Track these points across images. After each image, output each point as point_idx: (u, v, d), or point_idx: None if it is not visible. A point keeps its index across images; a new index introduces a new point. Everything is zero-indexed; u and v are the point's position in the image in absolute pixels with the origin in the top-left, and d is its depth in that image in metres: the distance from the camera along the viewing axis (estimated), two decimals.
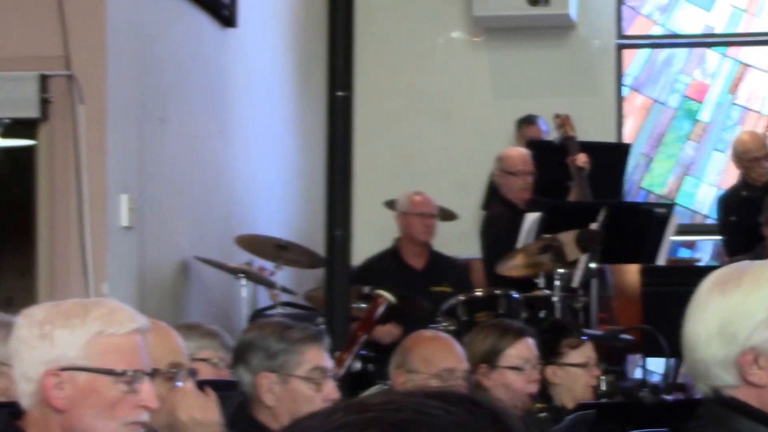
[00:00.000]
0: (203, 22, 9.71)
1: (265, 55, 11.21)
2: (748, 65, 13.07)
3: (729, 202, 10.78)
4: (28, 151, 8.25)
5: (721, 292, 3.68)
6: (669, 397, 7.24)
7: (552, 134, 11.39)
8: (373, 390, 6.87)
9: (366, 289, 8.76)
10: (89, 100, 7.88)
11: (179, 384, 4.25)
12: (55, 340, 3.58)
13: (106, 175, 7.96)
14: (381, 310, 6.36)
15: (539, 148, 10.86)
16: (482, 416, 0.87)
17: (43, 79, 7.88)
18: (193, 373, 4.40)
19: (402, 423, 0.87)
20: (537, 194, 10.33)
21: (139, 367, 3.63)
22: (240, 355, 4.91)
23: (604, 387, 7.54)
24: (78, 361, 3.58)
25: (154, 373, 3.81)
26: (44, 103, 7.89)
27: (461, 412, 0.88)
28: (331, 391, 4.94)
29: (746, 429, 3.66)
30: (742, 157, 10.79)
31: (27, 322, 3.68)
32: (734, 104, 13.03)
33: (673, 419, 5.13)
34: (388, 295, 6.54)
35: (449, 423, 0.86)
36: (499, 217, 10.32)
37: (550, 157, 10.73)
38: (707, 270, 3.91)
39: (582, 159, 10.43)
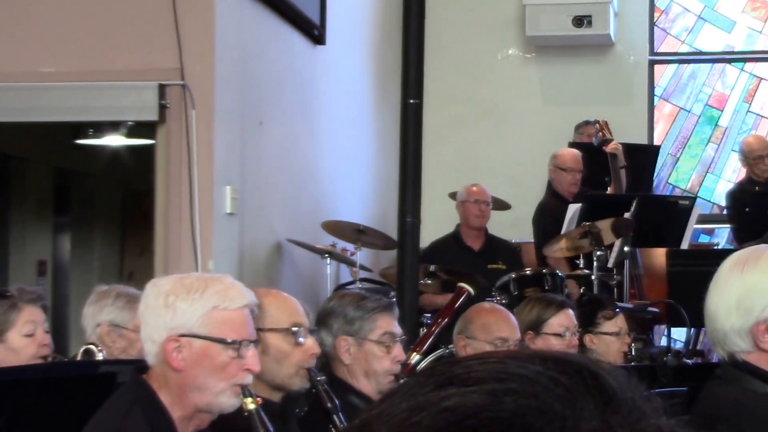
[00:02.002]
0: (297, 40, 9.72)
1: (349, 69, 11.22)
2: (763, 78, 12.99)
3: (738, 195, 10.73)
4: (149, 149, 8.31)
5: (740, 271, 3.70)
6: (689, 361, 7.21)
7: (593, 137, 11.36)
8: (438, 353, 6.85)
9: (432, 268, 8.80)
10: (199, 106, 7.91)
11: (301, 340, 4.34)
12: (177, 310, 3.65)
13: (213, 170, 7.99)
14: (462, 300, 6.33)
15: (583, 148, 10.83)
16: (572, 374, 0.87)
17: (161, 88, 7.90)
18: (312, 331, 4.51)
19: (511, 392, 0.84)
20: (582, 187, 10.31)
21: (245, 336, 3.70)
22: (323, 320, 4.93)
23: (633, 353, 7.54)
24: (195, 330, 3.64)
25: (259, 339, 3.88)
26: (162, 108, 7.92)
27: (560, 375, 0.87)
28: (398, 353, 4.97)
29: (757, 388, 3.67)
30: (748, 156, 10.76)
31: (154, 291, 3.74)
32: (749, 112, 12.95)
33: (692, 380, 5.11)
34: (469, 288, 6.52)
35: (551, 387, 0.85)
36: (549, 208, 10.29)
37: (592, 157, 10.70)
38: (723, 253, 3.93)
39: (612, 146, 10.42)
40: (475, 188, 9.96)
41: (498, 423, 0.79)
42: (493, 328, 5.78)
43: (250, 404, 3.68)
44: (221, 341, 3.65)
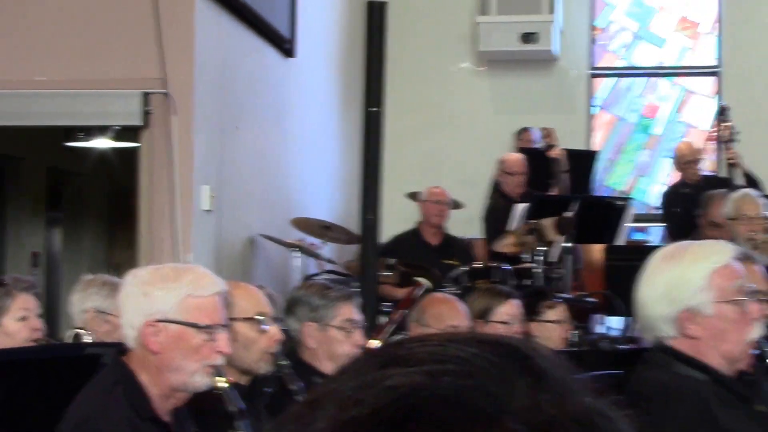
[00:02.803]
0: (269, 52, 9.72)
1: (317, 79, 11.23)
2: (692, 92, 13.04)
3: (670, 197, 10.78)
4: (133, 151, 8.29)
5: (668, 264, 3.72)
6: (623, 347, 7.22)
7: (539, 143, 11.41)
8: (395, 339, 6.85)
9: (391, 261, 8.81)
10: (180, 113, 7.90)
11: (265, 327, 4.35)
12: (154, 297, 3.67)
13: (192, 171, 7.99)
14: (419, 292, 6.33)
15: (530, 154, 10.87)
16: (505, 355, 0.87)
17: (145, 96, 7.91)
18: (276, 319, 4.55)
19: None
20: (528, 188, 10.35)
21: (217, 321, 3.71)
22: (290, 308, 4.94)
23: (574, 339, 7.55)
24: (171, 315, 3.65)
25: (230, 325, 3.90)
26: (146, 114, 7.92)
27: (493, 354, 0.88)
28: (359, 338, 4.99)
29: (681, 371, 3.68)
30: (680, 161, 10.81)
31: (133, 281, 3.76)
32: (680, 122, 13.00)
33: (626, 364, 5.14)
34: (425, 282, 6.52)
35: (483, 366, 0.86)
36: (497, 207, 10.32)
37: (538, 161, 10.75)
38: (655, 249, 3.93)
39: (556, 151, 10.52)
40: (436, 189, 10.03)
41: (436, 401, 0.79)
42: (445, 316, 5.78)
43: (222, 383, 3.71)
44: (195, 326, 3.66)
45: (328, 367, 4.92)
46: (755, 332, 3.73)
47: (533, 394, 0.82)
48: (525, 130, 11.86)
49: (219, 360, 3.70)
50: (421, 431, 0.78)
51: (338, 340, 4.96)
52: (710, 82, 12.96)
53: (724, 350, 3.68)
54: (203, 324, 3.67)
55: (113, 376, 3.70)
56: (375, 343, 5.66)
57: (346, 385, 0.84)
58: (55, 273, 11.77)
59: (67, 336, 5.78)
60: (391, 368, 0.83)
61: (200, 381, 3.68)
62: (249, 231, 9.31)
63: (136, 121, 7.98)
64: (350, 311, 5.03)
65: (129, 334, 3.70)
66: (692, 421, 3.52)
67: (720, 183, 9.80)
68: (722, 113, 10.50)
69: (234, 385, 3.94)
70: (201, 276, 3.76)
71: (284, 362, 4.44)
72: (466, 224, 11.06)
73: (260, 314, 4.38)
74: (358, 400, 0.81)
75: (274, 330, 4.42)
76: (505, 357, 0.84)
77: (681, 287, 3.65)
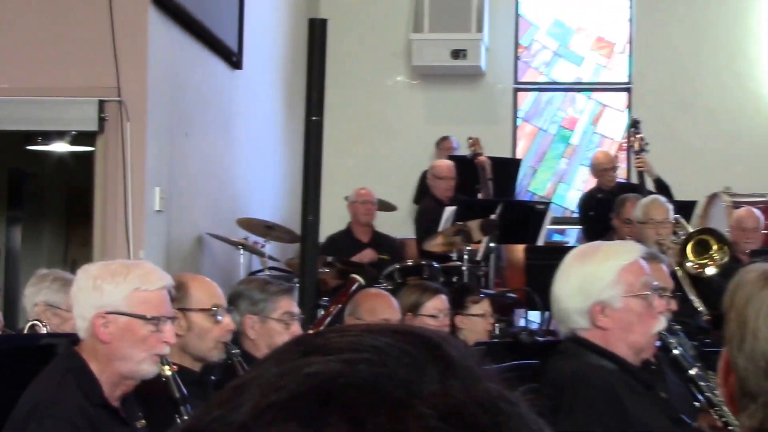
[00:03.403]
0: (218, 64, 9.70)
1: (262, 89, 11.19)
2: (606, 105, 13.13)
3: (586, 201, 10.84)
4: (89, 155, 8.24)
5: (581, 261, 3.74)
6: (541, 339, 7.25)
7: (463, 150, 11.44)
8: None
9: (329, 259, 8.81)
10: (134, 119, 7.87)
11: (219, 318, 4.36)
12: (104, 291, 3.66)
13: (144, 173, 7.95)
14: (354, 288, 6.32)
15: (458, 161, 10.90)
16: (418, 344, 0.87)
17: (101, 103, 7.88)
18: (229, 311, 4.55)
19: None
20: (456, 193, 10.39)
21: (163, 313, 3.72)
22: (233, 301, 4.92)
23: (497, 331, 7.57)
24: (120, 308, 3.65)
25: (176, 318, 3.90)
26: (101, 120, 7.89)
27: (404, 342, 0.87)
28: (296, 330, 4.99)
29: (593, 361, 3.70)
30: (597, 169, 10.87)
31: (84, 276, 3.75)
32: (595, 133, 13.08)
33: (544, 354, 5.15)
34: (359, 278, 6.52)
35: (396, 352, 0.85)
36: (428, 209, 10.34)
37: (466, 168, 10.78)
38: (572, 249, 3.95)
39: (482, 159, 10.61)
40: (362, 191, 10.09)
41: (352, 387, 0.79)
42: (378, 310, 5.78)
43: (167, 371, 3.73)
44: (142, 317, 3.66)
45: None
46: (659, 325, 3.77)
47: (442, 381, 0.81)
48: (445, 138, 11.95)
49: (165, 349, 3.71)
50: (338, 415, 0.78)
51: (277, 331, 4.94)
52: (623, 97, 13.04)
53: (631, 341, 3.70)
54: (150, 316, 3.67)
55: (65, 364, 3.69)
56: None
57: (269, 371, 0.83)
58: (15, 269, 11.67)
59: (25, 327, 5.72)
60: (312, 356, 0.83)
61: (147, 369, 3.69)
62: (197, 230, 9.27)
63: (92, 126, 7.93)
64: (289, 305, 5.03)
65: (81, 325, 3.70)
66: (601, 406, 3.54)
67: (632, 189, 9.86)
68: (633, 126, 10.57)
69: (187, 372, 4.03)
70: (148, 271, 3.76)
71: (236, 350, 4.45)
72: (400, 225, 11.08)
73: (215, 306, 4.39)
74: (279, 386, 0.81)
75: (227, 320, 4.42)
76: (417, 346, 0.84)
77: (593, 283, 3.67)
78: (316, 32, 6.81)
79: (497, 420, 0.80)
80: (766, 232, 9.15)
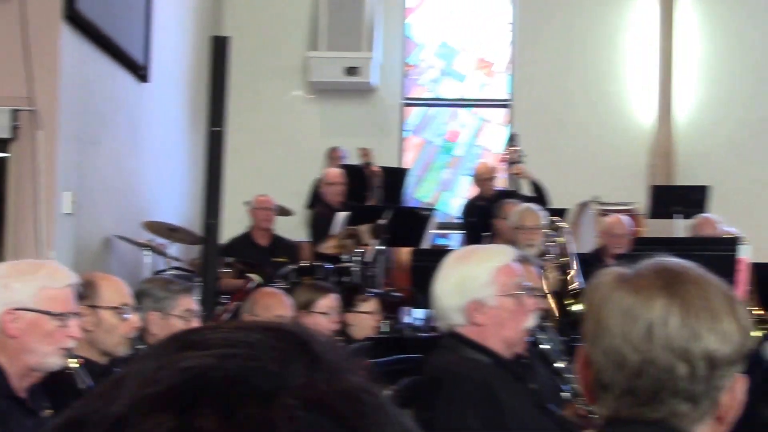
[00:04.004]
0: (126, 77, 9.60)
1: (168, 100, 11.11)
2: (487, 120, 13.24)
3: (468, 208, 10.92)
4: (2, 161, 8.10)
5: (459, 263, 3.77)
6: (424, 335, 7.28)
7: (354, 159, 11.47)
8: None
9: (228, 259, 8.77)
10: (45, 128, 7.76)
11: (127, 316, 4.34)
12: (12, 289, 3.61)
13: (55, 179, 7.86)
14: (251, 286, 6.32)
15: (350, 169, 10.92)
16: (286, 340, 0.87)
17: (14, 112, 7.75)
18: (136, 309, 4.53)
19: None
20: (348, 199, 10.41)
21: (69, 309, 3.68)
22: (137, 299, 4.88)
23: (384, 328, 7.60)
24: (27, 304, 3.61)
25: (80, 314, 3.87)
26: (14, 128, 7.76)
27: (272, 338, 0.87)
28: (196, 326, 4.95)
29: (469, 355, 3.72)
30: (478, 178, 10.97)
31: None
32: (477, 145, 13.18)
33: (426, 349, 5.18)
34: (256, 278, 6.51)
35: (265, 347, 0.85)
36: (321, 214, 10.35)
37: (357, 176, 10.81)
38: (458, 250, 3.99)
39: (373, 168, 10.69)
40: (262, 197, 10.07)
41: (224, 380, 0.79)
42: (272, 307, 5.76)
43: (73, 364, 3.69)
44: (49, 313, 3.62)
45: None
46: (530, 322, 3.81)
47: (308, 374, 0.82)
48: (334, 148, 11.99)
49: (70, 343, 3.68)
50: (209, 406, 0.78)
51: (178, 327, 4.89)
52: (503, 113, 13.15)
53: (504, 336, 3.73)
54: (56, 312, 3.63)
55: None
56: None
57: (147, 365, 0.83)
58: None
59: None
60: (187, 352, 0.83)
61: (54, 362, 3.65)
62: (105, 232, 9.18)
63: (5, 134, 7.81)
64: (189, 302, 5.00)
65: None
66: (476, 396, 3.56)
67: (509, 196, 9.95)
68: (512, 139, 10.71)
69: (94, 365, 3.99)
70: (55, 270, 3.72)
71: (142, 346, 4.42)
72: (296, 229, 11.06)
73: (123, 304, 4.37)
74: (156, 379, 0.81)
75: (134, 318, 4.40)
76: (286, 342, 0.85)
77: (469, 282, 3.70)
78: (219, 49, 6.79)
79: (359, 410, 0.81)
80: (632, 238, 9.27)
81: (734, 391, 1.96)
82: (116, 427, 0.78)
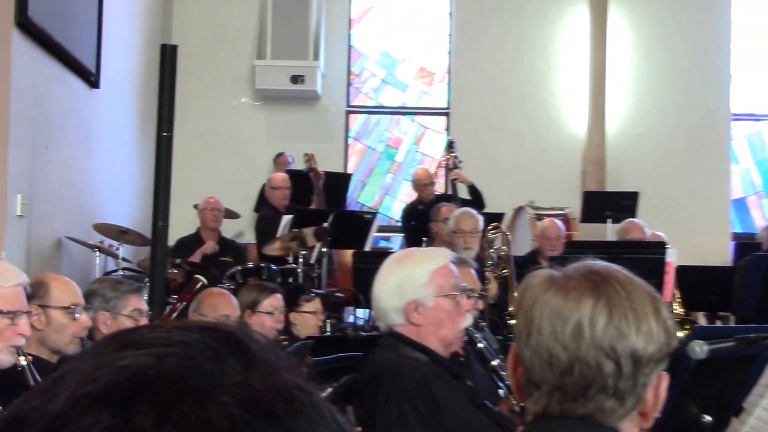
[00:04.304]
0: (77, 83, 9.51)
1: (118, 106, 11.03)
2: (427, 127, 13.26)
3: (408, 212, 10.93)
4: None
5: (398, 265, 3.77)
6: (365, 334, 7.28)
7: (299, 165, 11.46)
8: None
9: (177, 260, 8.73)
10: None
11: (77, 315, 4.32)
12: None
13: (6, 181, 7.76)
14: (198, 287, 6.28)
15: (295, 174, 10.91)
16: (222, 339, 0.87)
17: None
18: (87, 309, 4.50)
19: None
20: (293, 203, 10.40)
21: (19, 308, 3.67)
22: (87, 299, 4.84)
23: (327, 327, 7.59)
24: None
25: (30, 312, 3.84)
26: None
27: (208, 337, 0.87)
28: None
29: (408, 354, 3.73)
30: (417, 184, 10.99)
31: None
32: (417, 152, 13.20)
33: (366, 348, 5.18)
34: (203, 279, 6.47)
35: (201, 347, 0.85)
36: (267, 217, 10.33)
37: (302, 181, 10.80)
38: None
39: (317, 173, 10.68)
40: (211, 200, 10.05)
41: (160, 378, 0.79)
42: (219, 307, 5.75)
43: (23, 361, 3.67)
44: None
45: None
46: (466, 322, 3.82)
47: (243, 372, 0.82)
48: (280, 154, 11.99)
49: (20, 341, 3.65)
50: (146, 404, 0.77)
51: (127, 326, 4.85)
52: (442, 120, 13.18)
53: (441, 336, 3.74)
54: (6, 310, 3.61)
55: None
56: None
57: (86, 364, 0.83)
58: None
59: None
60: (125, 351, 0.83)
61: (3, 359, 3.64)
62: (56, 233, 9.09)
63: None
64: (138, 302, 4.97)
65: None
66: (414, 393, 3.56)
67: (448, 201, 9.99)
68: (450, 146, 10.74)
69: (44, 363, 3.98)
70: (4, 270, 3.71)
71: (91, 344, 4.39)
72: (244, 230, 11.03)
73: (74, 304, 4.35)
74: (94, 378, 0.80)
75: (84, 318, 4.39)
76: (222, 341, 0.85)
77: (408, 283, 3.71)
78: (168, 57, 6.74)
79: (292, 407, 0.81)
80: (565, 241, 9.34)
81: (658, 388, 1.98)
82: (55, 424, 0.78)
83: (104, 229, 9.56)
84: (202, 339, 0.84)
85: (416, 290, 3.70)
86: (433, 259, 3.77)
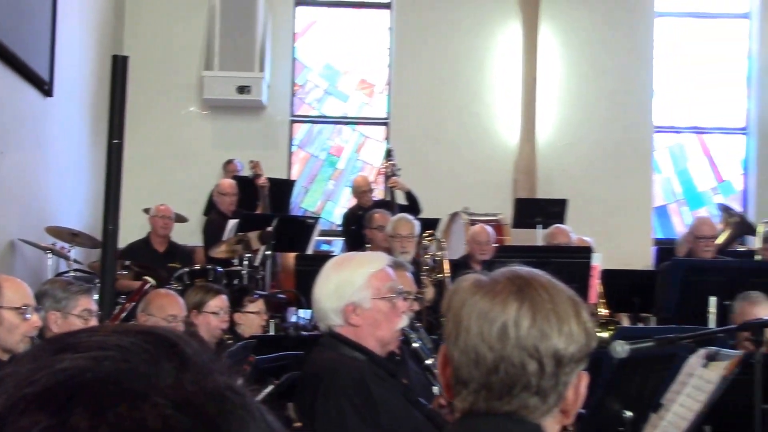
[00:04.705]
0: (31, 92, 9.43)
1: (72, 114, 10.93)
2: (368, 137, 13.27)
3: (348, 218, 10.93)
4: None
5: (337, 268, 3.77)
6: (306, 333, 7.26)
7: (246, 172, 11.42)
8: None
9: (127, 262, 8.66)
10: None
11: (28, 316, 4.29)
12: None
13: None
14: (146, 289, 6.24)
15: (241, 180, 10.87)
16: (157, 343, 0.87)
17: None
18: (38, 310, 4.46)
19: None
20: (239, 208, 10.37)
21: None
22: (38, 299, 4.79)
23: (272, 327, 7.57)
24: None
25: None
26: None
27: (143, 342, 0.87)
28: (94, 324, 4.88)
29: (346, 353, 3.73)
30: (357, 190, 10.99)
31: None
32: (358, 159, 13.20)
33: (308, 347, 5.17)
34: (151, 280, 6.43)
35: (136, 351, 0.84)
36: (214, 221, 10.28)
37: (247, 187, 10.76)
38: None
39: (262, 179, 10.62)
40: (162, 207, 9.95)
41: (97, 381, 0.78)
42: (166, 307, 5.72)
43: None
44: None
45: None
46: (402, 322, 3.83)
47: (177, 375, 0.82)
48: (230, 161, 11.94)
49: None
50: (83, 405, 0.77)
51: (77, 326, 4.83)
52: (382, 130, 13.20)
53: (378, 336, 3.75)
54: None
55: None
56: None
57: (24, 367, 0.82)
58: None
59: None
60: (64, 354, 0.83)
61: None
62: (10, 236, 9.00)
63: None
64: (87, 302, 4.94)
65: None
66: (351, 390, 3.57)
67: (386, 206, 10.00)
68: (389, 154, 10.75)
69: None
70: None
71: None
72: (190, 234, 10.96)
73: (25, 305, 4.31)
74: (33, 380, 0.80)
75: (35, 318, 4.34)
76: (157, 345, 0.85)
77: (346, 286, 3.71)
78: (119, 67, 6.68)
79: (223, 408, 0.81)
80: (496, 245, 9.38)
81: (578, 387, 2.00)
82: None
83: (56, 231, 9.48)
84: (138, 342, 0.84)
85: (354, 293, 3.70)
86: (370, 264, 3.78)
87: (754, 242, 10.70)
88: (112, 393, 0.78)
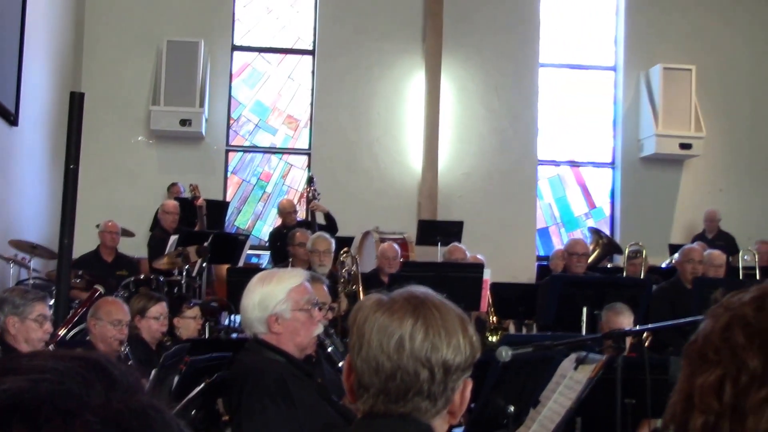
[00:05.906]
0: None
1: (34, 141, 10.75)
2: (292, 165, 13.24)
3: (275, 235, 10.86)
4: None
5: (261, 283, 3.75)
6: (236, 336, 7.21)
7: (186, 194, 11.32)
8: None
9: (80, 272, 8.51)
10: None
11: None
12: None
13: None
14: (96, 296, 6.13)
15: (182, 201, 10.77)
16: (89, 367, 0.86)
17: None
18: None
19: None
20: (180, 225, 10.26)
21: None
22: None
23: (207, 331, 7.49)
24: None
25: None
26: None
27: (76, 366, 0.85)
28: (48, 328, 4.81)
29: (270, 357, 3.71)
30: (282, 211, 10.95)
31: None
32: (284, 185, 13.16)
33: (235, 350, 5.13)
34: (101, 288, 6.33)
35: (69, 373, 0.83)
36: (158, 237, 10.17)
37: (187, 207, 10.67)
38: (260, 271, 3.96)
39: (200, 201, 10.55)
40: (110, 223, 9.83)
41: (35, 401, 0.78)
42: (113, 313, 5.62)
43: None
44: None
45: (24, 347, 4.72)
46: (318, 330, 3.82)
47: (106, 395, 0.81)
48: (174, 184, 11.85)
49: None
50: (20, 423, 0.76)
51: (33, 329, 4.76)
52: (304, 159, 13.18)
53: (297, 342, 3.74)
54: None
55: None
56: (63, 331, 5.43)
57: None
58: None
59: None
60: (5, 376, 0.82)
61: None
62: None
63: None
64: (42, 308, 4.85)
65: None
66: (273, 389, 3.55)
67: (307, 226, 9.98)
68: (310, 180, 10.74)
69: None
70: None
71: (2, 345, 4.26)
72: (137, 248, 10.82)
73: None
74: None
75: None
76: (89, 368, 0.84)
77: (269, 299, 3.69)
78: (75, 102, 6.58)
79: (146, 423, 0.81)
80: (402, 260, 9.41)
81: (464, 392, 2.01)
82: None
83: (18, 244, 9.29)
84: (72, 366, 0.83)
85: (276, 305, 3.68)
86: (290, 279, 3.76)
87: (621, 260, 10.92)
88: (47, 411, 0.77)
